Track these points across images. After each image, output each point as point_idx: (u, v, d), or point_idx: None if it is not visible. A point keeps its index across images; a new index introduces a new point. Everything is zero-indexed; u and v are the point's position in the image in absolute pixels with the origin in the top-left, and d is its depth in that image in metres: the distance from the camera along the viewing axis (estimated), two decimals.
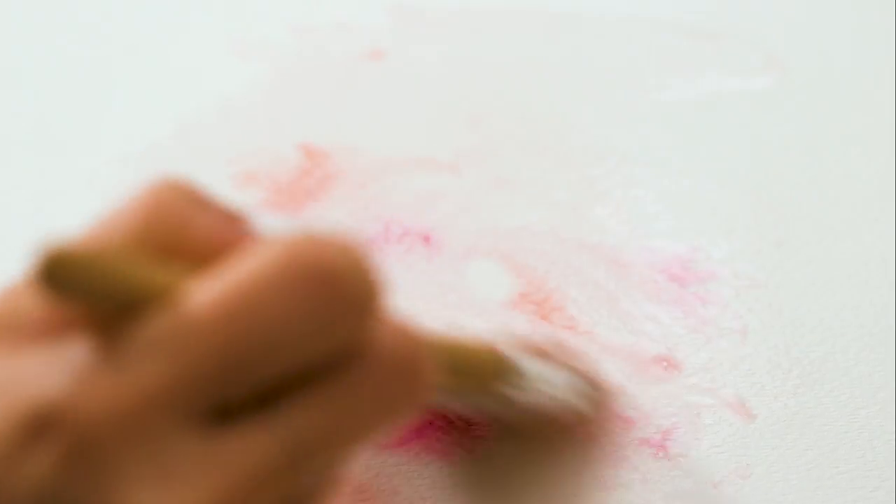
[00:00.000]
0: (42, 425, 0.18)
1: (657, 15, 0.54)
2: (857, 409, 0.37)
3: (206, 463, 0.19)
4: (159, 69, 0.51)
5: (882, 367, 0.38)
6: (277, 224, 0.21)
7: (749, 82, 0.51)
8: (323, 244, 0.19)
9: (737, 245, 0.43)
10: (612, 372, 0.38)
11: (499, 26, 0.53)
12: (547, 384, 0.30)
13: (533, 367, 0.30)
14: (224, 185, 0.45)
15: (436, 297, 0.41)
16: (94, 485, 0.19)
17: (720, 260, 0.42)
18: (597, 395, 0.34)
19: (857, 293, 0.41)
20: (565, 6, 0.54)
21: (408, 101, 0.50)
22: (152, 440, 0.19)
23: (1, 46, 0.52)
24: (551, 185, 0.45)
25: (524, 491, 0.34)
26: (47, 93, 0.50)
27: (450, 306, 0.40)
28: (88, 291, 0.19)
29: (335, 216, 0.44)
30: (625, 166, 0.46)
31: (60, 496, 0.19)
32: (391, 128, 0.48)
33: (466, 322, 0.39)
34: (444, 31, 0.53)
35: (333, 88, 0.50)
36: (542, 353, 0.31)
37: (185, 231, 0.21)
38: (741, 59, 0.52)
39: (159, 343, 0.19)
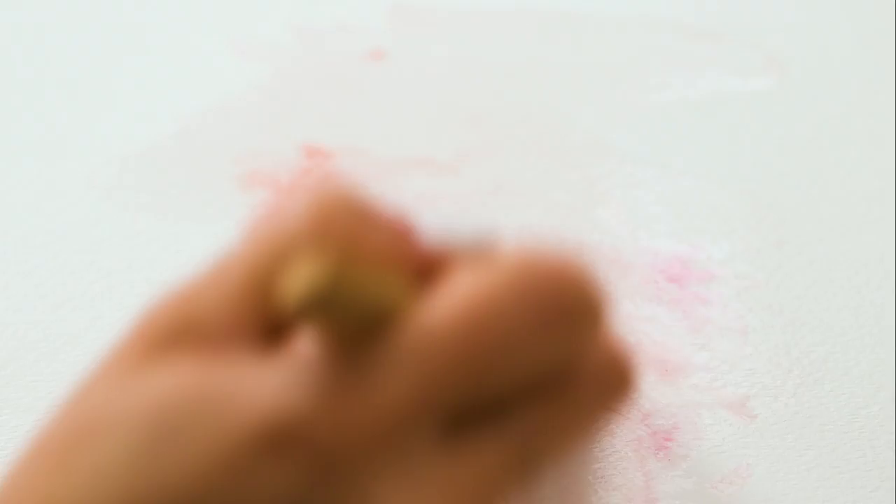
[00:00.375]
0: (284, 441, 0.18)
1: (657, 15, 0.54)
2: (858, 408, 0.37)
3: (451, 471, 0.19)
4: (160, 69, 0.51)
5: (882, 367, 0.38)
6: (442, 226, 0.21)
7: (749, 82, 0.51)
8: (553, 260, 0.20)
9: (737, 245, 0.43)
10: None
11: (499, 26, 0.53)
12: None
13: None
14: (224, 184, 0.45)
15: None
16: (344, 500, 0.19)
17: (720, 260, 0.42)
18: None
19: (857, 293, 0.41)
20: (565, 6, 0.54)
21: (408, 101, 0.50)
22: (399, 454, 0.19)
23: (1, 46, 0.52)
24: (551, 185, 0.45)
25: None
26: (48, 93, 0.50)
27: None
28: (347, 310, 0.19)
29: None
30: (625, 166, 0.46)
31: None
32: (391, 128, 0.48)
33: None
34: (444, 31, 0.53)
35: (333, 88, 0.50)
36: None
37: (356, 248, 0.20)
38: (741, 59, 0.52)
39: (403, 358, 0.19)
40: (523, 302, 0.20)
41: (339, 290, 0.19)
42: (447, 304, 0.19)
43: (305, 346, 0.20)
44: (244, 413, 0.19)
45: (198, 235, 0.43)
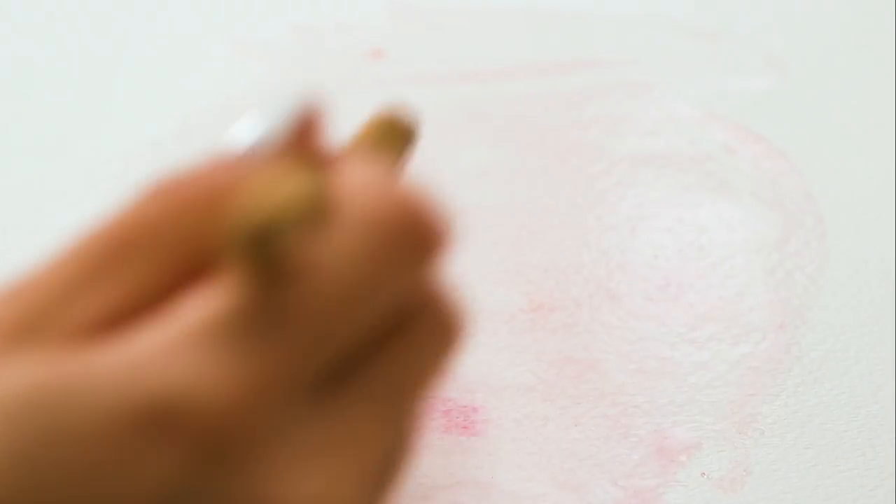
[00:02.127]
0: (162, 423, 0.17)
1: (657, 15, 0.54)
2: (858, 407, 0.37)
3: (332, 437, 0.19)
4: (160, 69, 0.51)
5: (882, 366, 0.38)
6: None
7: (749, 82, 0.51)
8: (399, 193, 0.19)
9: (737, 245, 0.43)
10: (613, 370, 0.38)
11: (499, 26, 0.53)
12: None
13: None
14: None
15: None
16: (235, 479, 0.18)
17: (720, 260, 0.42)
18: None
19: (857, 293, 0.41)
20: (565, 6, 0.54)
21: (408, 100, 0.49)
22: (282, 423, 0.18)
23: (2, 46, 0.52)
24: (551, 185, 0.45)
25: None
26: (48, 93, 0.50)
27: None
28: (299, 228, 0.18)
29: None
30: (625, 166, 0.46)
31: (195, 495, 0.17)
32: None
33: None
34: (444, 31, 0.53)
35: (333, 88, 0.50)
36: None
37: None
38: (741, 59, 0.52)
39: (270, 320, 0.18)
40: (370, 240, 0.19)
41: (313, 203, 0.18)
42: (310, 262, 0.18)
43: (193, 312, 0.18)
44: (119, 396, 0.17)
45: None
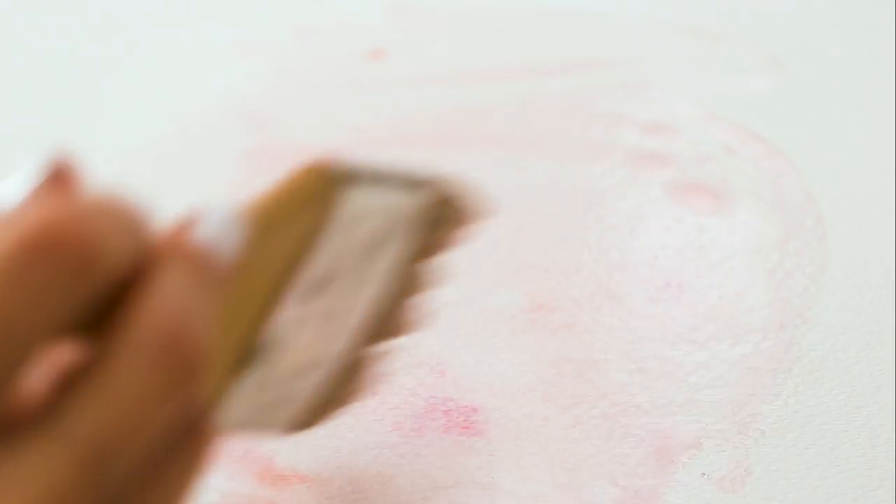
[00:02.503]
0: None
1: (657, 15, 0.54)
2: (858, 407, 0.37)
3: (13, 474, 0.18)
4: (161, 69, 0.51)
5: (882, 366, 0.38)
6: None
7: (749, 82, 0.51)
8: (65, 214, 0.19)
9: (737, 245, 0.43)
10: (613, 370, 0.38)
11: (499, 26, 0.53)
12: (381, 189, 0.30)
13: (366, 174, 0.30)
14: (224, 183, 0.45)
15: None
16: None
17: (720, 259, 0.42)
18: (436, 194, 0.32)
19: (857, 293, 0.41)
20: (566, 6, 0.54)
21: (408, 100, 0.50)
22: None
23: (2, 46, 0.52)
24: (552, 185, 0.45)
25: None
26: (48, 92, 0.50)
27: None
28: None
29: None
30: (625, 165, 0.46)
31: None
32: (391, 127, 0.48)
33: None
34: (444, 31, 0.53)
35: (333, 88, 0.50)
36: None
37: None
38: (741, 59, 0.52)
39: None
40: (28, 265, 0.18)
41: None
42: None
43: None
44: None
45: None
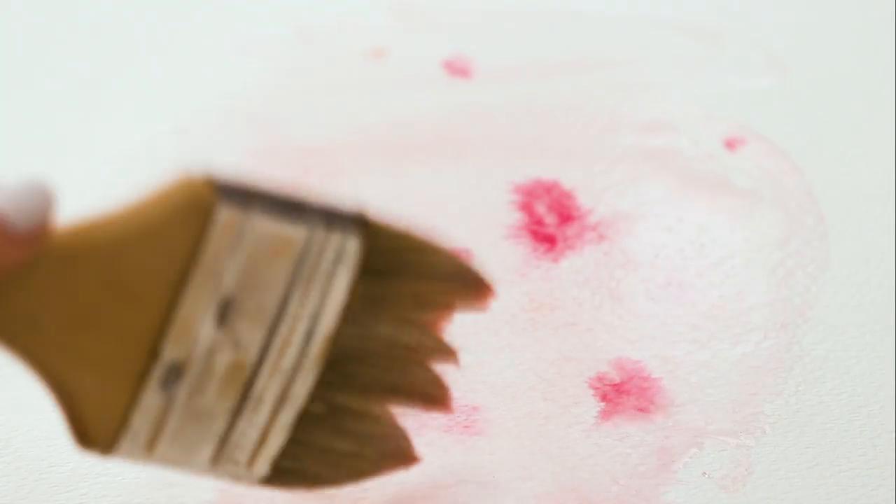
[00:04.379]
0: None
1: (657, 15, 0.54)
2: (858, 407, 0.37)
3: None
4: (161, 69, 0.51)
5: (883, 366, 0.38)
6: None
7: (750, 82, 0.51)
8: None
9: (738, 244, 0.43)
10: (612, 370, 0.38)
11: (499, 26, 0.53)
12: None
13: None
14: None
15: None
16: None
17: (721, 259, 0.42)
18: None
19: (858, 292, 0.41)
20: (566, 6, 0.54)
21: (408, 100, 0.50)
22: None
23: (2, 46, 0.52)
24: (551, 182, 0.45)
25: None
26: (48, 92, 0.50)
27: None
28: None
29: None
30: (625, 165, 0.46)
31: None
32: (392, 127, 0.48)
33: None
34: (444, 30, 0.53)
35: (334, 88, 0.50)
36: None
37: None
38: (741, 59, 0.52)
39: None
40: None
41: None
42: None
43: None
44: None
45: None
